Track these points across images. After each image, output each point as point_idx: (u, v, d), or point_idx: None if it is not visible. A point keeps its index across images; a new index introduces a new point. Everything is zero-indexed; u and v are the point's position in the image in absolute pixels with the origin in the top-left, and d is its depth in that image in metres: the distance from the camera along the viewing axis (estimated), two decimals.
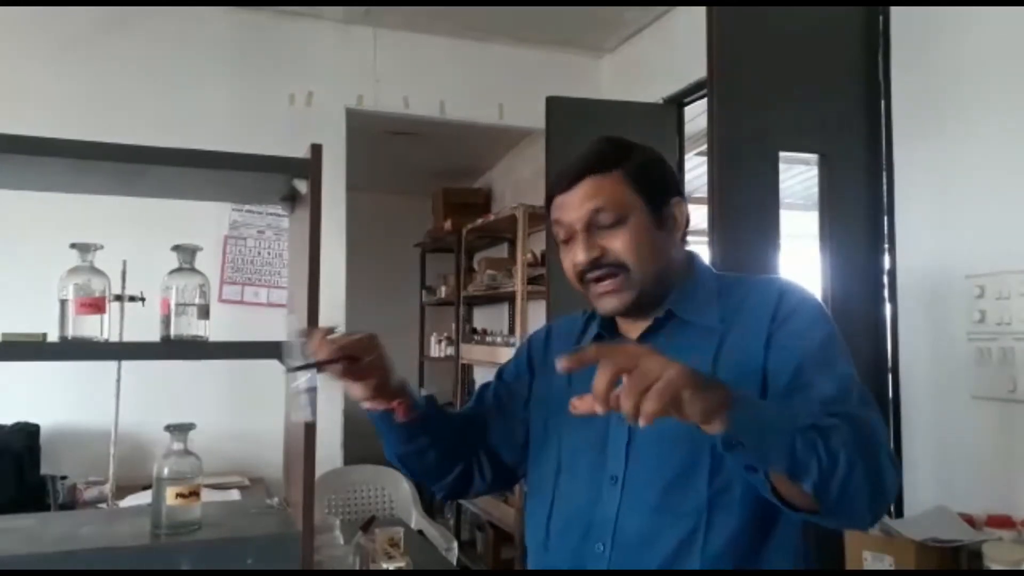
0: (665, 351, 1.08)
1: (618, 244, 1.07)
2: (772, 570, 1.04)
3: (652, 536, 1.04)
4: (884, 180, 2.34)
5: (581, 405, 0.82)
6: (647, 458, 1.06)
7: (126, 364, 2.60)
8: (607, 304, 1.11)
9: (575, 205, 1.09)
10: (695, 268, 1.17)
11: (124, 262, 2.33)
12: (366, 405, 1.11)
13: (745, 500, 1.02)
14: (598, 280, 1.09)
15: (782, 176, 2.26)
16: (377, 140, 4.64)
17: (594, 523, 1.08)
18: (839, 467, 0.86)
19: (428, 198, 5.65)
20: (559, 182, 1.12)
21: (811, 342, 1.03)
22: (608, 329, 1.18)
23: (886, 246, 2.34)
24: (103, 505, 2.60)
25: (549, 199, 1.14)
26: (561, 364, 0.81)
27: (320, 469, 1.79)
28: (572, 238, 1.10)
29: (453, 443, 1.21)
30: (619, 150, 1.12)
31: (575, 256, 1.09)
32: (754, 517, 1.03)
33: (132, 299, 2.29)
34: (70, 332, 1.33)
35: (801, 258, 2.91)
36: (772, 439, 0.86)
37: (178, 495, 1.35)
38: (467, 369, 4.87)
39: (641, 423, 0.78)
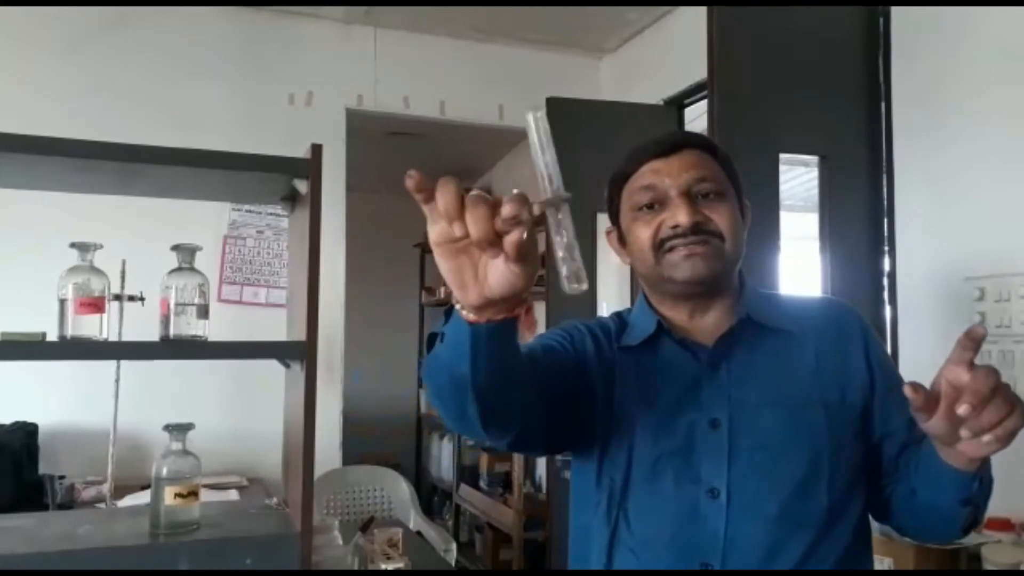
0: (755, 357, 1.05)
1: (718, 216, 1.04)
2: (776, 570, 1.00)
3: (776, 549, 0.98)
4: (884, 182, 2.34)
5: (919, 400, 0.81)
6: (757, 469, 1.00)
7: (125, 364, 2.59)
8: (695, 267, 1.02)
9: (676, 170, 1.04)
10: (743, 275, 1.13)
11: (123, 261, 2.33)
12: (490, 310, 0.74)
13: (855, 509, 1.04)
14: (691, 244, 1.02)
15: (782, 177, 2.26)
16: (377, 140, 4.63)
17: (696, 542, 0.99)
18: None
19: None
20: (655, 147, 1.07)
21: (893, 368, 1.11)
22: (666, 325, 1.08)
23: (886, 248, 2.34)
24: (101, 505, 2.60)
25: (636, 163, 1.08)
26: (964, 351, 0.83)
27: (319, 469, 1.80)
28: (662, 203, 1.04)
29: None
30: (705, 138, 1.11)
31: (674, 218, 1.02)
32: (859, 526, 1.04)
33: (131, 299, 2.28)
34: (69, 331, 1.33)
35: (801, 260, 2.91)
36: (987, 474, 0.92)
37: (177, 495, 1.35)
38: None
39: (998, 448, 0.80)
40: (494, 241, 0.66)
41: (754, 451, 1.00)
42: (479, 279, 0.70)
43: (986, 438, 0.77)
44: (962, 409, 0.76)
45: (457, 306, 0.76)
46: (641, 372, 1.08)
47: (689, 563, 0.99)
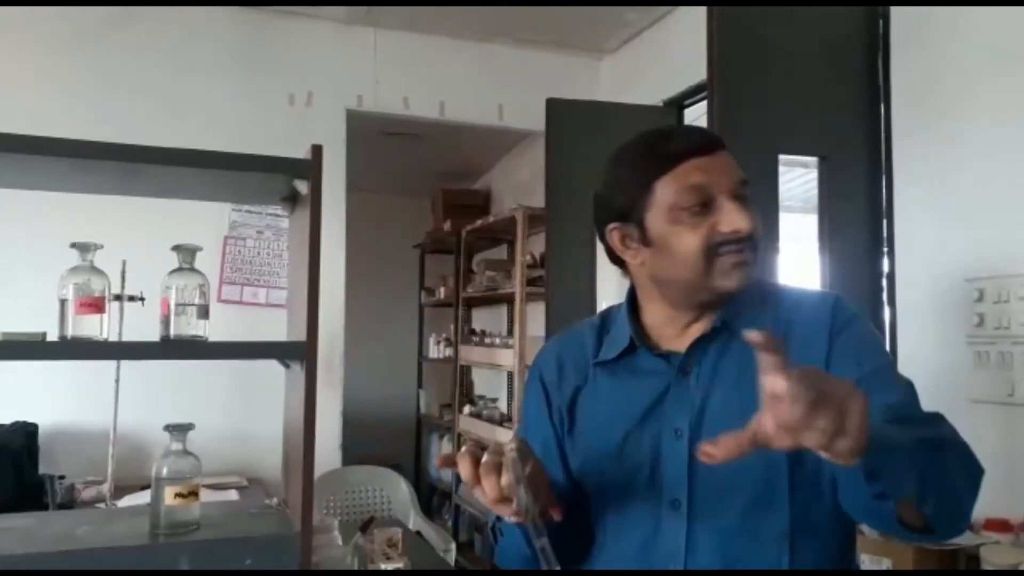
0: (724, 362, 1.01)
1: (756, 222, 0.99)
2: (769, 570, 0.98)
3: (734, 563, 0.96)
4: (884, 183, 2.34)
5: (717, 451, 0.74)
6: (717, 478, 0.96)
7: (125, 364, 2.60)
8: (738, 278, 0.98)
9: (726, 169, 0.99)
10: None
11: (124, 262, 2.33)
12: (514, 519, 0.88)
13: (830, 528, 0.98)
14: (740, 251, 0.98)
15: (781, 178, 2.26)
16: (377, 141, 4.63)
17: (659, 555, 0.99)
18: (955, 485, 0.84)
19: (428, 199, 5.64)
20: (699, 144, 1.00)
21: (870, 349, 1.00)
22: (637, 340, 1.06)
23: (885, 249, 2.34)
24: (101, 505, 2.60)
25: (675, 159, 0.99)
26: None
27: (319, 470, 1.79)
28: (710, 205, 0.98)
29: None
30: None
31: (732, 223, 0.97)
32: (840, 548, 0.99)
33: (132, 299, 2.29)
34: (70, 331, 1.33)
35: (800, 261, 2.91)
36: (902, 462, 0.80)
37: (177, 495, 1.35)
38: (466, 370, 4.86)
39: (843, 463, 0.71)
40: (505, 500, 0.86)
41: None
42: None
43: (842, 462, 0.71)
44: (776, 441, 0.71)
45: None
46: (617, 383, 1.08)
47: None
